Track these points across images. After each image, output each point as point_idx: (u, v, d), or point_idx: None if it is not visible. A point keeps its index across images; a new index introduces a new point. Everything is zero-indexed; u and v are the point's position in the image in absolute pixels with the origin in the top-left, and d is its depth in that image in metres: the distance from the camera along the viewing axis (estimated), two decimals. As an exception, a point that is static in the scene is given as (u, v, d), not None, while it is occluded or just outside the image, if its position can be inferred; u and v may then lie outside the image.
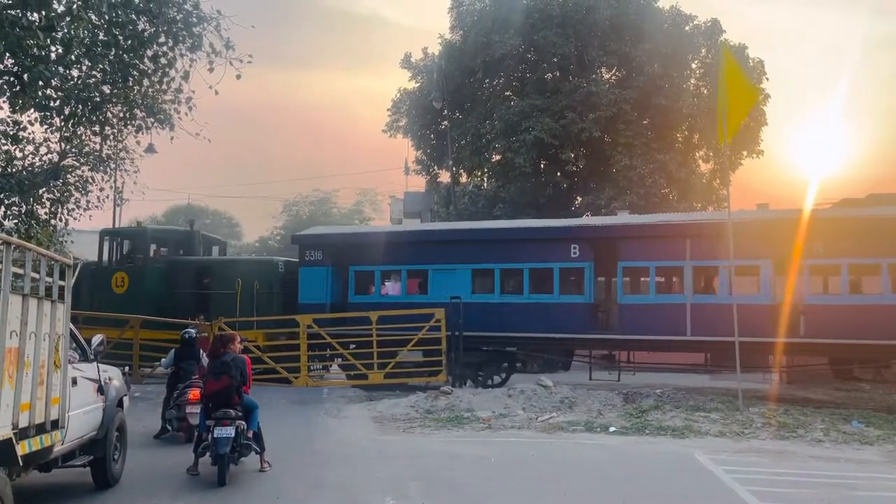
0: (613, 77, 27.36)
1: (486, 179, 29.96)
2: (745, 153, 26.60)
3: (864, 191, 38.14)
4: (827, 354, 15.28)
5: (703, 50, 26.19)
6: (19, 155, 14.48)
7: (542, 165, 26.95)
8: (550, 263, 15.79)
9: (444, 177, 30.67)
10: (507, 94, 28.34)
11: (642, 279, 15.85)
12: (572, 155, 25.88)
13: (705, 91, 25.60)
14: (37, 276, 6.20)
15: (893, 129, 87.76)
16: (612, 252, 15.55)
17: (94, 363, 7.80)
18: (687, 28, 26.27)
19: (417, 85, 30.43)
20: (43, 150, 14.91)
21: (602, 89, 25.00)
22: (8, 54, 10.32)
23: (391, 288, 17.26)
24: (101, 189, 16.15)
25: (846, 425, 11.58)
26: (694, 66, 26.69)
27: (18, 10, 10.12)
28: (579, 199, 27.13)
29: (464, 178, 30.97)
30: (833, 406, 13.72)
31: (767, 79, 26.32)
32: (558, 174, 27.00)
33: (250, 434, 8.46)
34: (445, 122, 28.88)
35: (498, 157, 27.29)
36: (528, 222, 18.78)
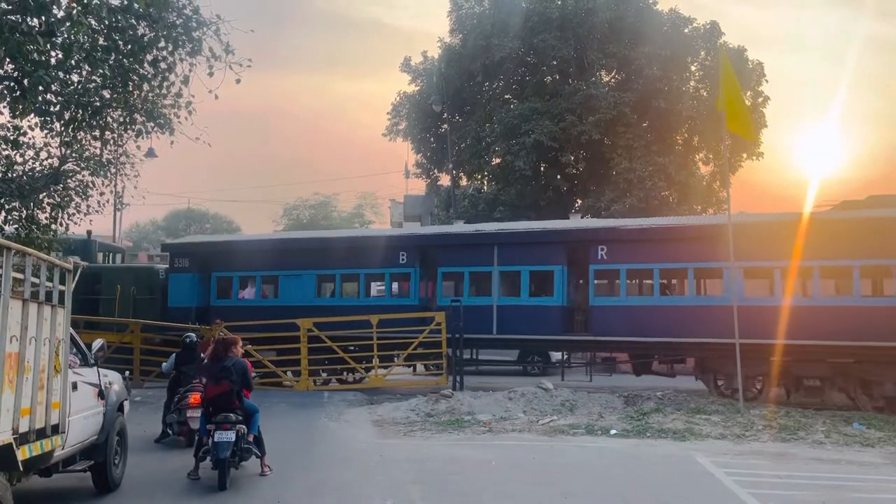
0: (613, 80, 27.38)
1: (486, 182, 29.99)
2: (744, 155, 26.60)
3: (864, 192, 38.15)
4: (623, 351, 17.27)
5: (703, 52, 26.21)
6: (19, 160, 14.45)
7: (542, 168, 26.97)
8: (382, 269, 17.57)
9: (445, 180, 30.73)
10: (507, 97, 28.38)
11: (459, 283, 17.31)
12: (572, 158, 25.90)
13: (705, 93, 25.61)
14: (37, 280, 6.20)
15: (893, 130, 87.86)
16: (434, 259, 17.23)
17: (95, 368, 7.80)
18: (686, 31, 26.30)
19: (417, 88, 30.47)
20: (43, 154, 14.87)
21: (601, 92, 25.02)
22: (8, 59, 10.33)
23: (248, 292, 18.66)
24: (102, 194, 16.09)
25: (847, 427, 11.58)
26: (693, 68, 26.71)
27: (18, 16, 10.13)
28: (579, 201, 27.15)
29: (464, 181, 31.00)
30: (834, 408, 13.71)
31: (767, 81, 26.38)
32: (558, 177, 27.02)
33: (251, 438, 8.45)
34: (445, 126, 28.93)
35: (498, 160, 27.32)
36: (363, 231, 21.11)
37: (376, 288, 18.72)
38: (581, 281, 16.58)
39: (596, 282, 15.90)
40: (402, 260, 17.18)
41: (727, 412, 12.62)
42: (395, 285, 18.10)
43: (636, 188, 24.24)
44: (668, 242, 15.30)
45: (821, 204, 16.11)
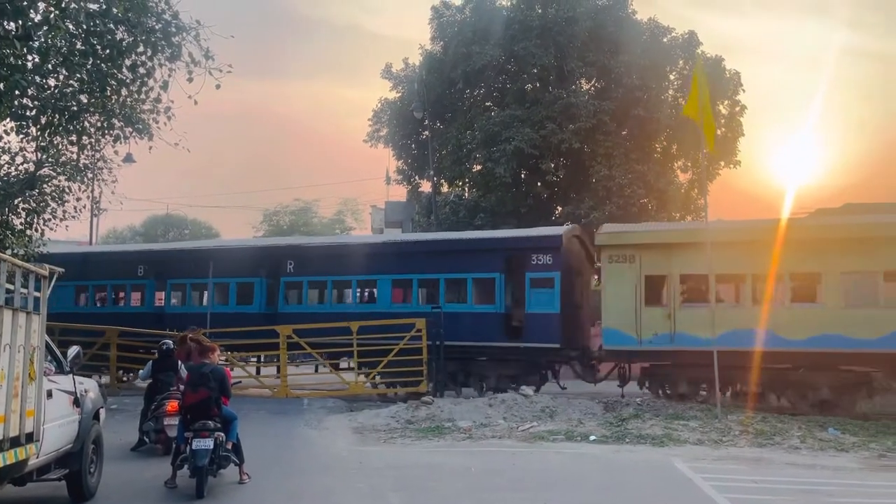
0: (592, 88, 27.57)
1: (466, 189, 30.02)
2: (722, 164, 26.91)
3: (841, 199, 38.72)
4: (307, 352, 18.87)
5: (681, 62, 26.48)
6: (-6, 164, 14.30)
7: (522, 175, 27.05)
8: (123, 280, 20.20)
9: (426, 186, 30.69)
10: (488, 104, 28.45)
11: (183, 293, 20.07)
12: (552, 165, 26.01)
13: (683, 102, 25.81)
14: (11, 287, 6.13)
15: (870, 138, 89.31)
16: (166, 272, 19.81)
17: (70, 375, 7.70)
18: (665, 40, 26.56)
19: (398, 95, 30.47)
20: (19, 159, 14.71)
21: (581, 100, 25.17)
22: (-17, 63, 10.22)
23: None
24: (78, 199, 15.93)
25: (822, 432, 11.72)
26: (672, 77, 26.96)
27: (-6, 20, 10.04)
28: (559, 208, 27.25)
29: (445, 188, 31.01)
30: (809, 413, 13.87)
31: (744, 90, 26.70)
32: (538, 184, 27.11)
33: (229, 445, 8.38)
34: (426, 132, 28.95)
35: (478, 167, 27.35)
36: (117, 247, 26.51)
37: (121, 297, 20.80)
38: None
39: (286, 291, 18.33)
40: (140, 273, 19.75)
41: (705, 418, 12.72)
42: (134, 295, 20.37)
43: (616, 196, 24.40)
44: (337, 258, 17.80)
45: (797, 211, 16.36)
